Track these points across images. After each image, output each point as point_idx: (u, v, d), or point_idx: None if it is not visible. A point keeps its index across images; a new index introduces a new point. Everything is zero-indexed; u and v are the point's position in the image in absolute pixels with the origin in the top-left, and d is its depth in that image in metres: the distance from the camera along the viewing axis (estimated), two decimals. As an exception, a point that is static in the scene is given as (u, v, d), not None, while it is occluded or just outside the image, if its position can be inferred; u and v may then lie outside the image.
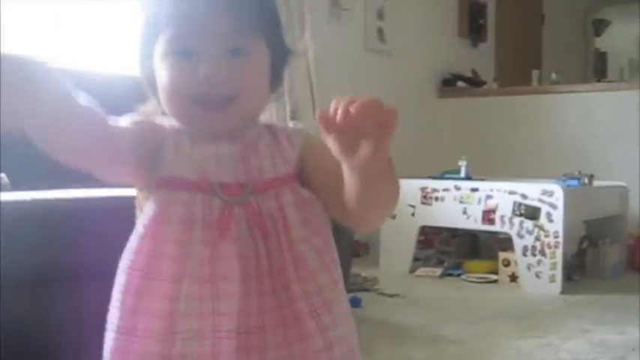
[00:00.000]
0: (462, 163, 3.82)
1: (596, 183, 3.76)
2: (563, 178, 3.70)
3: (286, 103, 3.26)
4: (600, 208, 3.78)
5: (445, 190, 3.63)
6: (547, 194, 3.29)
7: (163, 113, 0.86)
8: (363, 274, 3.35)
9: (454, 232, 4.01)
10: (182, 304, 0.77)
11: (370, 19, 4.54)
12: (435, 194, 3.66)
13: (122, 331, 0.80)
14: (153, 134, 0.83)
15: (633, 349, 2.30)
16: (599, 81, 7.92)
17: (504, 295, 3.26)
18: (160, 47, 0.82)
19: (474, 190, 3.54)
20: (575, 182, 3.66)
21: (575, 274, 3.63)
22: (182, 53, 0.81)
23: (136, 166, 0.81)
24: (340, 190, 0.78)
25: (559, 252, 3.24)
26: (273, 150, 0.85)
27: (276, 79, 0.87)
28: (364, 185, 0.75)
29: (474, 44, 5.67)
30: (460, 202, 3.58)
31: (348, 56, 4.32)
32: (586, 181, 3.71)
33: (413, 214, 3.72)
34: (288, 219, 0.82)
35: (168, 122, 0.85)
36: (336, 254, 0.86)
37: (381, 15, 4.60)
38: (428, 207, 3.68)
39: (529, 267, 3.33)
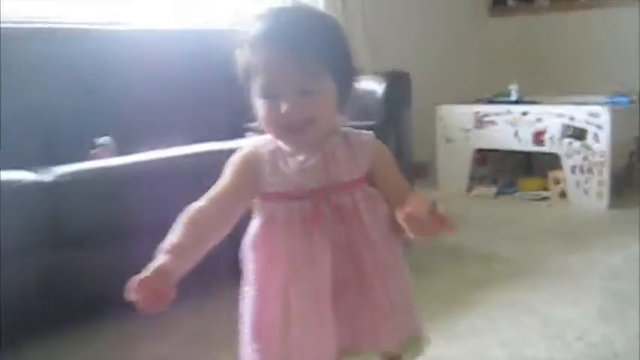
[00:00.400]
0: (513, 87, 4.00)
1: (644, 98, 3.91)
2: (613, 95, 3.86)
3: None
4: (648, 123, 3.93)
5: (497, 114, 3.84)
6: (593, 116, 3.48)
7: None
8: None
9: (508, 152, 4.23)
10: (294, 276, 1.10)
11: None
12: (488, 118, 3.88)
13: (256, 291, 1.14)
14: (251, 167, 1.15)
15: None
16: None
17: (554, 211, 3.51)
18: (254, 88, 1.12)
19: (525, 113, 3.74)
20: (624, 100, 3.81)
21: (625, 187, 3.83)
22: (267, 97, 1.10)
23: (246, 200, 1.15)
24: (389, 191, 1.13)
25: (605, 170, 3.45)
26: (349, 158, 1.15)
27: (344, 100, 1.15)
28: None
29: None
30: (512, 125, 3.79)
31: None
32: (634, 98, 3.86)
33: (467, 138, 3.96)
34: (360, 210, 1.13)
35: (265, 142, 1.17)
36: (393, 233, 1.15)
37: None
38: (481, 130, 3.90)
39: (577, 184, 3.56)
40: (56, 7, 2.98)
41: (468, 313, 2.13)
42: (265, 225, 1.14)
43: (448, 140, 4.04)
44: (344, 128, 1.19)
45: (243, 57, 1.13)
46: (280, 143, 1.16)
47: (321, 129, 1.13)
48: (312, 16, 1.15)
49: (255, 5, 1.81)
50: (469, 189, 3.99)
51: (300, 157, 1.14)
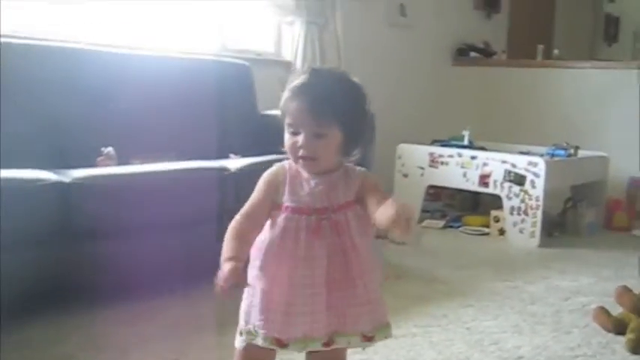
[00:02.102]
0: (466, 132, 4.53)
1: (581, 152, 4.43)
2: (553, 147, 4.38)
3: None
4: (582, 175, 4.45)
5: (449, 156, 4.32)
6: (532, 165, 3.97)
7: None
8: (377, 223, 4.06)
9: (458, 190, 4.70)
10: (298, 269, 1.46)
11: (394, -1, 5.14)
12: (441, 159, 4.36)
13: (265, 277, 1.47)
14: (274, 185, 1.51)
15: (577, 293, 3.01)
16: (609, 46, 8.43)
17: (492, 245, 3.98)
18: (285, 123, 1.49)
19: (473, 157, 4.23)
20: (562, 152, 4.33)
21: (557, 230, 4.33)
22: (292, 132, 1.47)
23: (271, 209, 1.51)
24: (374, 206, 1.46)
25: (539, 213, 3.94)
26: (344, 186, 1.51)
27: (350, 146, 1.50)
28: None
29: (488, 16, 6.18)
30: (461, 167, 4.27)
31: (371, 30, 4.95)
32: (572, 151, 4.38)
33: (422, 175, 4.42)
34: (350, 225, 1.49)
35: (290, 164, 1.52)
36: (372, 243, 1.55)
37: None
38: (434, 169, 4.38)
39: (514, 224, 4.04)
40: (72, 27, 3.38)
41: (407, 321, 2.56)
42: (281, 230, 1.47)
43: (405, 175, 4.50)
44: (347, 164, 1.54)
45: (283, 99, 1.49)
46: (299, 168, 1.51)
47: (322, 164, 1.48)
48: (336, 79, 1.51)
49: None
50: (420, 220, 4.45)
51: (312, 182, 1.49)
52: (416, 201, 4.40)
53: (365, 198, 1.51)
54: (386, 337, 1.56)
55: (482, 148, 4.43)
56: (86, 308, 2.48)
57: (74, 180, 2.44)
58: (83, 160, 2.74)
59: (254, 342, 1.48)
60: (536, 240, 3.96)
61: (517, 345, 2.38)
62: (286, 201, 1.49)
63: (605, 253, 3.86)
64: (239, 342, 1.53)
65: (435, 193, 4.90)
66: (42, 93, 2.94)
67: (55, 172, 2.45)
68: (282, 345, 1.46)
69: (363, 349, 1.60)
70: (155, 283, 2.63)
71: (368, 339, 1.52)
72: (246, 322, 1.50)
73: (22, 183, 2.33)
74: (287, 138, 1.48)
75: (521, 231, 4.02)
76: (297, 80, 1.49)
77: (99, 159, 2.89)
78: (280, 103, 1.50)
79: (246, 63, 3.83)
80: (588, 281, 3.22)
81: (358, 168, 1.57)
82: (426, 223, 4.45)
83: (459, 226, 4.40)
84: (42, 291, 2.40)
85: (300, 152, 1.46)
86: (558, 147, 4.38)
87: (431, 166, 4.39)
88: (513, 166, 4.05)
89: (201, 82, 3.52)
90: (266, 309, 1.46)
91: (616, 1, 8.34)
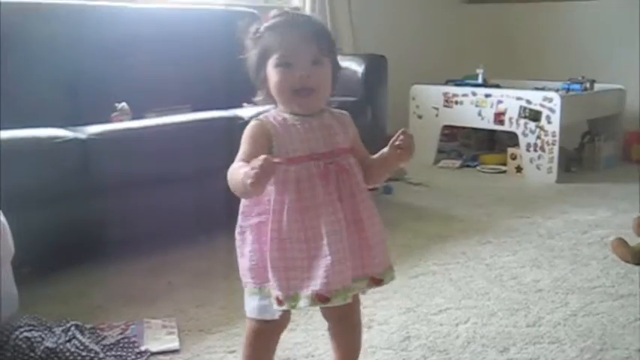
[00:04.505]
0: (480, 71, 4.48)
1: (597, 86, 4.38)
2: (569, 82, 4.33)
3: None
4: (598, 109, 4.40)
5: (464, 95, 4.30)
6: (547, 100, 3.94)
7: (267, 101, 1.47)
8: (394, 166, 4.07)
9: (474, 129, 4.68)
10: (322, 218, 1.39)
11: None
12: (455, 98, 4.33)
13: (276, 226, 1.39)
14: (266, 136, 1.41)
15: (597, 225, 3.03)
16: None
17: (510, 183, 3.98)
18: (272, 62, 1.41)
19: (488, 95, 4.20)
20: (577, 86, 4.29)
21: (574, 165, 4.32)
22: (285, 65, 1.40)
23: None
24: (359, 156, 1.50)
25: (555, 148, 3.92)
26: (341, 130, 1.47)
27: (334, 79, 1.47)
28: (381, 171, 1.50)
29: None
30: (476, 106, 4.25)
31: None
32: (588, 85, 4.33)
33: (437, 115, 4.41)
34: (354, 170, 1.46)
35: (274, 113, 1.45)
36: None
37: None
38: (449, 109, 4.36)
39: (531, 160, 4.03)
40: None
41: (426, 259, 2.59)
42: (295, 182, 1.39)
43: (419, 117, 4.49)
44: (329, 107, 1.51)
45: (259, 42, 1.43)
46: (286, 115, 1.44)
47: (321, 98, 1.44)
48: (310, 15, 1.57)
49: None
50: (436, 161, 4.45)
51: (306, 125, 1.43)
52: (432, 142, 4.40)
53: (354, 145, 1.50)
54: (392, 279, 1.53)
55: (497, 86, 4.38)
56: (111, 261, 2.53)
57: (90, 136, 2.46)
58: (98, 116, 2.76)
59: (296, 306, 1.39)
60: (553, 176, 3.95)
61: (536, 279, 2.41)
62: (287, 152, 1.42)
63: (623, 185, 3.84)
64: (259, 310, 1.46)
65: (451, 133, 4.89)
66: (55, 52, 2.95)
67: (71, 130, 2.47)
68: (325, 300, 1.37)
69: (364, 293, 1.55)
70: (177, 234, 2.68)
71: (377, 282, 1.49)
72: (280, 288, 1.38)
73: (40, 141, 2.36)
74: (277, 75, 1.41)
75: (538, 167, 4.01)
76: (275, 19, 1.45)
77: (113, 115, 2.90)
78: (257, 46, 1.44)
79: (255, 11, 3.80)
80: (606, 214, 3.23)
81: (340, 111, 1.54)
82: (442, 163, 4.45)
83: (475, 165, 4.40)
84: (67, 246, 2.44)
85: (300, 83, 1.40)
86: (574, 81, 4.33)
87: (445, 106, 4.37)
88: (528, 102, 4.02)
89: (211, 32, 3.50)
90: (302, 267, 1.38)
91: None
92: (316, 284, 1.36)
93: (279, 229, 1.38)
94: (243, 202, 1.46)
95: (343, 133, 1.48)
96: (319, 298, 1.37)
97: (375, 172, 1.51)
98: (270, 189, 1.40)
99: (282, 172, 1.39)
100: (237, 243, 1.48)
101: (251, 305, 1.48)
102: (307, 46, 1.41)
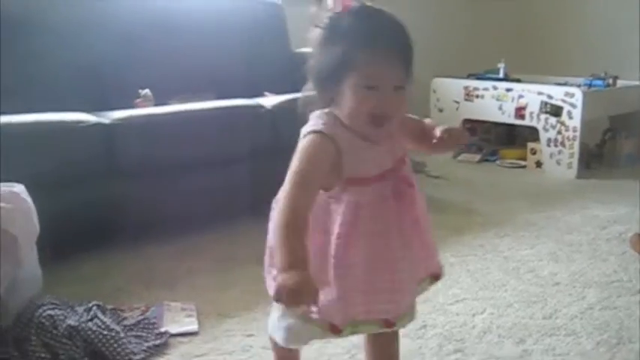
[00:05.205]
0: (501, 65, 4.47)
1: (620, 82, 4.35)
2: (591, 77, 4.30)
3: None
4: (620, 105, 4.36)
5: (484, 89, 4.30)
6: (569, 95, 3.93)
7: (320, 103, 1.32)
8: (415, 159, 4.06)
9: (495, 123, 4.67)
10: (395, 245, 1.33)
11: None
12: (476, 92, 4.33)
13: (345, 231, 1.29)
14: (331, 155, 1.26)
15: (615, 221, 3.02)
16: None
17: (529, 178, 3.97)
18: (352, 78, 1.24)
19: (509, 90, 4.19)
20: (600, 82, 4.26)
21: (595, 162, 4.30)
22: (368, 87, 1.23)
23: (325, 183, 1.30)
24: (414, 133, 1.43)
25: (576, 144, 3.91)
26: (399, 139, 1.37)
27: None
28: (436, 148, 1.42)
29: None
30: (497, 100, 4.25)
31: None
32: (610, 81, 4.30)
33: (457, 109, 4.41)
34: (410, 169, 1.39)
35: (337, 124, 1.28)
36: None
37: None
38: (470, 103, 4.36)
39: (551, 155, 4.02)
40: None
41: (444, 251, 2.59)
42: (369, 205, 1.29)
43: (440, 110, 4.49)
44: None
45: (340, 44, 1.25)
46: (351, 132, 1.28)
47: (394, 124, 1.29)
48: (395, 18, 1.30)
49: None
50: (456, 155, 4.45)
51: (368, 142, 1.30)
52: (451, 135, 4.39)
53: (407, 135, 1.40)
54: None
55: (518, 80, 4.37)
56: (133, 245, 2.57)
57: (114, 121, 2.50)
58: (121, 102, 2.79)
59: (357, 332, 1.38)
60: (573, 171, 3.94)
61: (553, 272, 2.41)
62: (357, 171, 1.29)
63: (643, 183, 3.82)
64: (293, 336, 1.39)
65: (471, 126, 4.86)
66: (80, 37, 2.99)
67: (95, 115, 2.51)
68: (391, 325, 1.36)
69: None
70: (198, 220, 2.71)
71: (437, 277, 1.52)
72: (342, 315, 1.32)
73: (65, 125, 2.40)
74: (356, 95, 1.24)
75: (558, 163, 4.00)
76: (359, 23, 1.27)
77: (137, 101, 2.94)
78: (336, 47, 1.25)
79: (278, 1, 3.82)
80: (626, 210, 3.21)
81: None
82: (462, 157, 4.45)
83: (495, 160, 4.39)
84: (89, 229, 2.47)
85: (380, 111, 1.25)
86: (596, 77, 4.31)
87: (466, 99, 4.37)
88: (550, 97, 4.00)
89: (234, 21, 3.53)
90: (366, 293, 1.31)
91: None
92: (381, 310, 1.33)
93: (342, 256, 1.28)
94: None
95: (399, 141, 1.37)
96: (387, 324, 1.35)
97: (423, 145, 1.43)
98: (334, 208, 1.30)
99: (356, 193, 1.28)
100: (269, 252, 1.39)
101: (283, 329, 1.39)
102: (395, 69, 1.25)
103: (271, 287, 1.32)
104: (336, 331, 1.31)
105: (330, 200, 1.30)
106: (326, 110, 1.31)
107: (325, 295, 1.25)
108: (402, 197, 1.32)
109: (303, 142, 1.28)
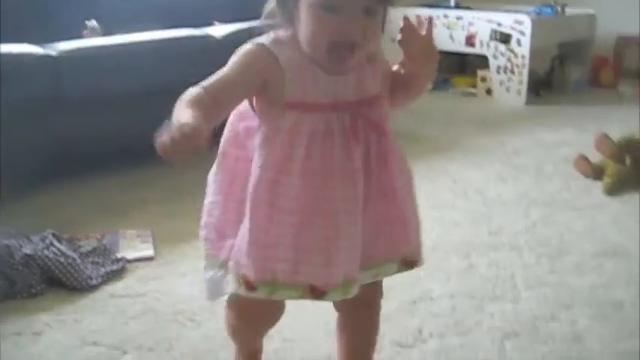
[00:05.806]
0: (452, -7, 4.48)
1: (568, 10, 4.40)
2: (540, 5, 4.35)
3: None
4: (569, 33, 4.44)
5: (435, 17, 4.29)
6: (518, 23, 3.98)
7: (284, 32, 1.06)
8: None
9: (445, 52, 4.69)
10: (338, 191, 1.06)
11: None
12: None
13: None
14: (265, 67, 1.04)
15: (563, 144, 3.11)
16: None
17: (479, 105, 4.04)
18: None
19: (459, 18, 4.23)
20: (549, 10, 4.31)
21: (544, 89, 4.38)
22: (327, 8, 0.98)
23: (247, 97, 1.09)
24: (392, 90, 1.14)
25: (525, 71, 3.98)
26: (373, 74, 1.10)
27: (382, 26, 1.10)
28: (412, 82, 1.15)
29: None
30: (447, 28, 4.27)
31: None
32: (559, 9, 4.36)
33: (409, 38, 4.41)
34: (386, 123, 1.11)
35: (290, 45, 1.04)
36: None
37: None
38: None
39: (501, 83, 4.10)
40: None
41: (396, 175, 2.66)
42: (307, 136, 1.04)
43: (392, 40, 4.47)
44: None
45: None
46: (308, 59, 1.05)
47: (361, 56, 1.05)
48: None
49: None
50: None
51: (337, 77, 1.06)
52: (404, 65, 4.42)
53: (388, 83, 1.14)
54: (423, 262, 1.24)
55: (468, 8, 4.40)
56: (87, 177, 2.57)
57: (61, 52, 2.46)
58: (68, 33, 2.74)
59: (273, 296, 1.10)
60: (522, 98, 4.02)
61: (500, 192, 2.50)
62: (303, 94, 1.05)
63: (590, 108, 3.92)
64: (235, 290, 1.12)
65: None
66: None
67: (42, 46, 2.46)
68: (319, 294, 1.09)
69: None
70: (149, 152, 2.70)
71: (410, 264, 1.20)
72: (255, 268, 1.08)
73: (12, 57, 2.35)
74: (316, 19, 1.00)
75: (507, 90, 4.08)
76: None
77: (84, 32, 2.89)
78: None
79: None
80: (572, 134, 3.31)
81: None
82: (414, 86, 4.48)
83: (447, 88, 4.45)
84: (42, 163, 2.47)
85: (343, 37, 1.00)
86: (545, 5, 4.35)
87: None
88: (499, 25, 4.05)
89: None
90: (294, 248, 1.07)
91: None
92: (309, 273, 1.08)
93: (270, 189, 1.06)
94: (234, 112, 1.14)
95: (375, 79, 1.11)
96: (314, 292, 1.09)
97: (400, 90, 1.16)
98: (269, 138, 1.07)
99: (293, 120, 1.05)
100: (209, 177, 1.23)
101: (206, 281, 1.20)
102: None
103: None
104: (249, 287, 1.09)
105: (267, 131, 1.08)
106: (289, 32, 1.07)
107: (241, 240, 1.09)
108: (357, 138, 1.06)
109: (236, 51, 1.08)
